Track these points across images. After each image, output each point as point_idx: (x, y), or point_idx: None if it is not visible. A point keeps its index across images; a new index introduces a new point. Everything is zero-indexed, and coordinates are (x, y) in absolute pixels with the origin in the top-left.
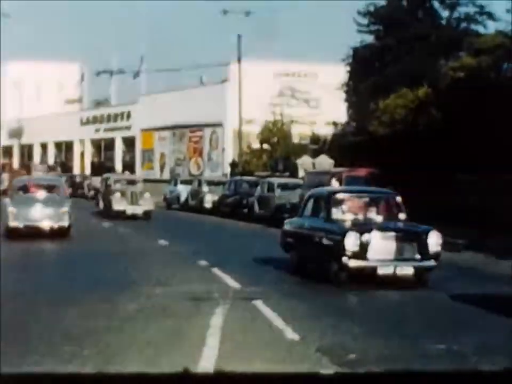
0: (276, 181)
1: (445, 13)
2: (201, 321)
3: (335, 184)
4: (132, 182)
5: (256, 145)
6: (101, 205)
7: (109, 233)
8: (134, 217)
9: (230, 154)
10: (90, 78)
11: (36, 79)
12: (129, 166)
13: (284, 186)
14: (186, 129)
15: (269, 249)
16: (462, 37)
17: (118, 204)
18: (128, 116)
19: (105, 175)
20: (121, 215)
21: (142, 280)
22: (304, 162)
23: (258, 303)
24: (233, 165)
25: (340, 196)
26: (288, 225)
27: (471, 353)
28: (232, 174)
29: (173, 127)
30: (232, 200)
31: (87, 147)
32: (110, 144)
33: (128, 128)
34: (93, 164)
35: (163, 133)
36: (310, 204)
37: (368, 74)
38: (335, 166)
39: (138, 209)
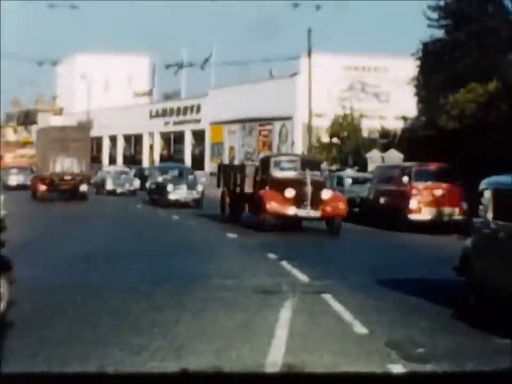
0: (345, 174)
1: None
2: (270, 314)
3: (405, 179)
4: None
5: (325, 139)
6: None
7: None
8: None
9: (300, 147)
10: (159, 71)
11: (105, 72)
12: (198, 159)
13: (353, 180)
14: (256, 122)
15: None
16: None
17: None
18: (198, 109)
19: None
20: None
21: (210, 272)
22: (374, 157)
23: (327, 297)
24: None
25: None
26: None
27: None
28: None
29: (242, 121)
30: None
31: (156, 140)
32: (179, 137)
33: (197, 121)
34: (162, 157)
35: (233, 126)
36: None
37: (438, 69)
38: (405, 160)
39: None
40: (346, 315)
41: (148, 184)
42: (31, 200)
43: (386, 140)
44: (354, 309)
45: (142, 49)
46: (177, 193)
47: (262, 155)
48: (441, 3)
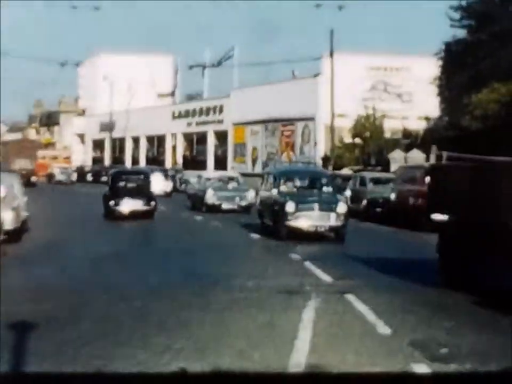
0: (368, 175)
1: None
2: (293, 314)
3: (428, 179)
4: None
5: (348, 139)
6: None
7: None
8: None
9: (322, 148)
10: (182, 72)
11: (127, 73)
12: (221, 160)
13: (376, 181)
14: (278, 123)
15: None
16: None
17: None
18: (221, 109)
19: None
20: None
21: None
22: (396, 157)
23: (351, 297)
24: (325, 159)
25: None
26: None
27: None
28: (324, 168)
29: (265, 121)
30: None
31: (179, 141)
32: (202, 138)
33: (220, 122)
34: (185, 158)
35: (255, 127)
36: None
37: (460, 69)
38: (427, 160)
39: None
40: (370, 315)
41: (257, 200)
42: None
43: (409, 140)
44: (377, 309)
45: (164, 50)
46: (304, 217)
47: None
48: (464, 3)
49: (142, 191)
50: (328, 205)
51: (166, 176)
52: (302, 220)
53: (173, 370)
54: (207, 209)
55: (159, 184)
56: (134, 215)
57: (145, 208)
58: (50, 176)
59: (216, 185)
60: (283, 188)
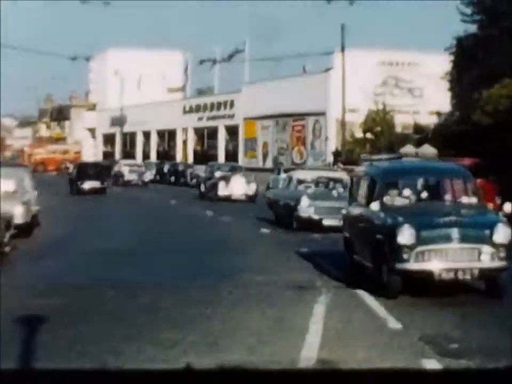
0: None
1: None
2: (304, 309)
3: None
4: None
5: (359, 134)
6: None
7: None
8: None
9: (333, 143)
10: (193, 67)
11: (138, 67)
12: (232, 154)
13: None
14: (289, 118)
15: None
16: None
17: None
18: (232, 104)
19: None
20: None
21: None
22: (407, 152)
23: (361, 292)
24: (336, 154)
25: None
26: None
27: None
28: (335, 162)
29: (276, 116)
30: None
31: (189, 135)
32: (213, 132)
33: (231, 116)
34: (195, 153)
35: (266, 122)
36: None
37: (471, 64)
38: (438, 155)
39: None
40: (381, 310)
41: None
42: None
43: (420, 135)
44: (388, 304)
45: (175, 44)
46: (433, 254)
47: None
48: None
49: (99, 175)
50: (475, 230)
51: (247, 178)
52: (430, 260)
53: (179, 366)
54: (300, 225)
55: (239, 187)
56: (92, 192)
57: (100, 186)
58: (117, 177)
59: (314, 191)
60: (389, 199)
